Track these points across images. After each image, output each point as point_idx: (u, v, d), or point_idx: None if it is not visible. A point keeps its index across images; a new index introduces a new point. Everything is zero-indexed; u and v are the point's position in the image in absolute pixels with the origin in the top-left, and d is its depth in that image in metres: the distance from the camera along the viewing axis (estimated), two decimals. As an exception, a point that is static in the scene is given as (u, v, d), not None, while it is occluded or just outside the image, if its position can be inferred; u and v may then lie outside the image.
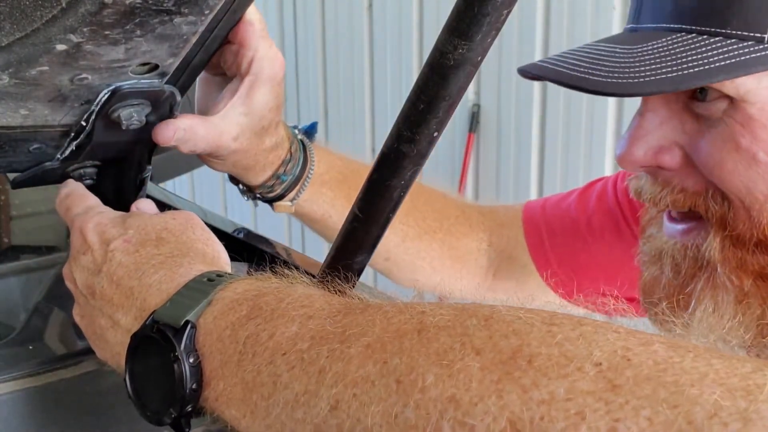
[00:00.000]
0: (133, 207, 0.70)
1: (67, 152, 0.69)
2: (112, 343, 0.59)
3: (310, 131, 0.88)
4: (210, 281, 0.54)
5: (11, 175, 0.72)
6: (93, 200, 0.69)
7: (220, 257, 0.63)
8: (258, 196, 0.86)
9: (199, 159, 0.79)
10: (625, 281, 0.84)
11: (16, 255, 1.17)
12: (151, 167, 0.76)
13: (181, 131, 0.71)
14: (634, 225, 0.85)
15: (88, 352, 0.76)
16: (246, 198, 0.87)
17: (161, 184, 1.32)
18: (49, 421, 0.73)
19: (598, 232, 0.90)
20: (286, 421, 0.43)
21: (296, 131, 0.86)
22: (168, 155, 1.44)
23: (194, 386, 0.50)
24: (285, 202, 0.87)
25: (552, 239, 0.93)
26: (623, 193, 0.89)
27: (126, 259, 0.60)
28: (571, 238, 0.92)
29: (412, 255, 0.95)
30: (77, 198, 0.68)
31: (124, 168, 0.74)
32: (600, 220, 0.90)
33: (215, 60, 0.75)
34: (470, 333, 0.38)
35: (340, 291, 0.52)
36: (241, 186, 0.85)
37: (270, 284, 0.53)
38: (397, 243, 0.93)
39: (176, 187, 3.20)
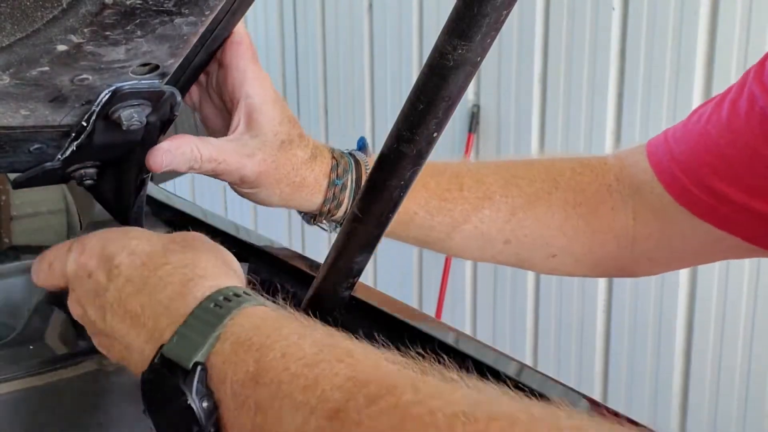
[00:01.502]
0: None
1: (68, 152, 0.69)
2: (133, 365, 0.56)
3: (360, 148, 0.84)
4: (217, 307, 0.51)
5: (12, 176, 0.72)
6: (65, 243, 0.64)
7: (230, 260, 0.61)
8: (333, 218, 0.80)
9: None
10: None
11: (16, 255, 1.17)
12: (151, 167, 0.76)
13: (169, 153, 0.69)
14: None
15: (88, 352, 0.76)
16: (333, 228, 0.81)
17: (162, 185, 1.32)
18: (49, 421, 0.73)
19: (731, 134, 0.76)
20: None
21: (344, 150, 0.81)
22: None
23: (212, 430, 0.48)
24: None
25: (677, 157, 0.80)
26: None
27: (133, 273, 0.56)
28: (699, 148, 0.78)
29: (530, 227, 0.83)
30: (52, 250, 0.65)
31: (124, 168, 0.74)
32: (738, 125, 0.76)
33: (220, 97, 0.76)
34: None
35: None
36: (316, 218, 0.81)
37: (278, 330, 0.49)
38: (506, 218, 0.82)
39: (176, 187, 3.20)
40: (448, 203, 0.81)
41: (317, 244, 2.90)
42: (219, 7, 0.58)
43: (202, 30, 0.60)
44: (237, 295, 0.52)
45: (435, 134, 0.56)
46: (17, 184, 0.72)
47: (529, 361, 2.35)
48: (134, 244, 0.59)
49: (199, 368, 0.48)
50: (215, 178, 0.74)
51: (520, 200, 0.83)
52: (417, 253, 2.65)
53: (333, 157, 0.79)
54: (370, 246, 0.66)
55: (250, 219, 3.27)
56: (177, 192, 1.41)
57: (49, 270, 0.64)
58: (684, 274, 2.02)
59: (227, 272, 0.58)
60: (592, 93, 2.14)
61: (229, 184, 0.75)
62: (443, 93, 0.53)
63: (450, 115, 0.56)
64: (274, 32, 3.09)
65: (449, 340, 0.71)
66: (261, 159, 0.73)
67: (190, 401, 0.48)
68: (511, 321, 2.44)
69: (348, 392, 0.44)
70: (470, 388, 0.43)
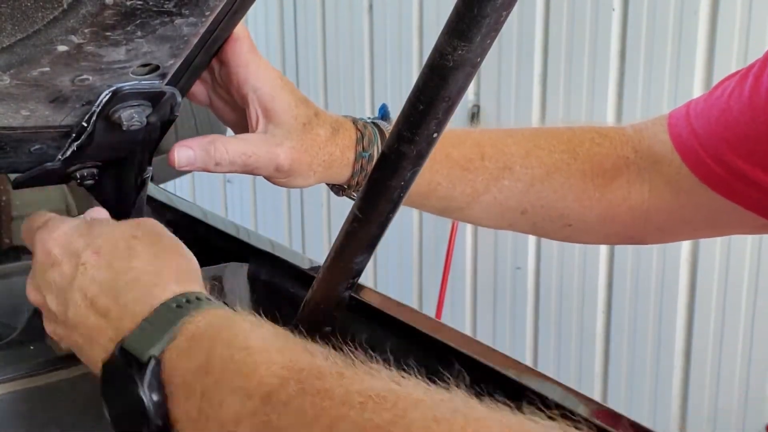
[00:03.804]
0: (86, 216, 0.69)
1: (68, 153, 0.69)
2: (92, 359, 0.59)
3: (382, 116, 0.85)
4: (178, 308, 0.55)
5: (12, 176, 0.72)
6: (51, 214, 0.67)
7: (192, 264, 0.63)
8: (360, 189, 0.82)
9: None
10: None
11: (17, 255, 1.17)
12: (151, 168, 0.76)
13: (189, 150, 0.71)
14: None
15: (89, 352, 0.76)
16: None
17: (162, 185, 1.33)
18: (49, 421, 0.73)
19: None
20: None
21: (366, 119, 0.82)
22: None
23: (159, 423, 0.52)
24: None
25: (697, 130, 0.80)
26: None
27: (99, 274, 0.59)
28: (719, 123, 0.78)
29: (547, 198, 0.84)
30: (37, 215, 0.68)
31: (124, 169, 0.74)
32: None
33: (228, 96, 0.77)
34: None
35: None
36: (345, 190, 0.83)
37: (230, 327, 0.53)
38: (524, 189, 0.84)
39: (177, 187, 3.20)
40: (470, 173, 0.82)
41: (317, 244, 2.90)
42: (219, 8, 0.58)
43: (202, 31, 0.60)
44: (198, 299, 0.56)
45: (435, 134, 0.57)
46: (18, 185, 0.72)
47: (529, 362, 2.35)
48: (99, 243, 0.61)
49: (153, 361, 0.52)
50: (250, 173, 0.75)
51: (540, 171, 0.84)
52: (417, 253, 2.65)
53: (357, 129, 0.79)
54: (370, 246, 0.66)
55: (250, 219, 3.27)
56: (177, 192, 1.41)
57: (25, 234, 0.68)
58: (684, 274, 2.03)
59: (191, 278, 0.61)
60: (592, 93, 2.14)
61: (265, 177, 0.76)
62: (443, 93, 0.53)
63: (450, 115, 0.56)
64: (274, 32, 3.09)
65: (449, 340, 0.71)
66: (290, 146, 0.74)
67: (141, 392, 0.51)
68: (511, 321, 2.44)
69: (282, 378, 0.47)
70: (390, 378, 0.47)
